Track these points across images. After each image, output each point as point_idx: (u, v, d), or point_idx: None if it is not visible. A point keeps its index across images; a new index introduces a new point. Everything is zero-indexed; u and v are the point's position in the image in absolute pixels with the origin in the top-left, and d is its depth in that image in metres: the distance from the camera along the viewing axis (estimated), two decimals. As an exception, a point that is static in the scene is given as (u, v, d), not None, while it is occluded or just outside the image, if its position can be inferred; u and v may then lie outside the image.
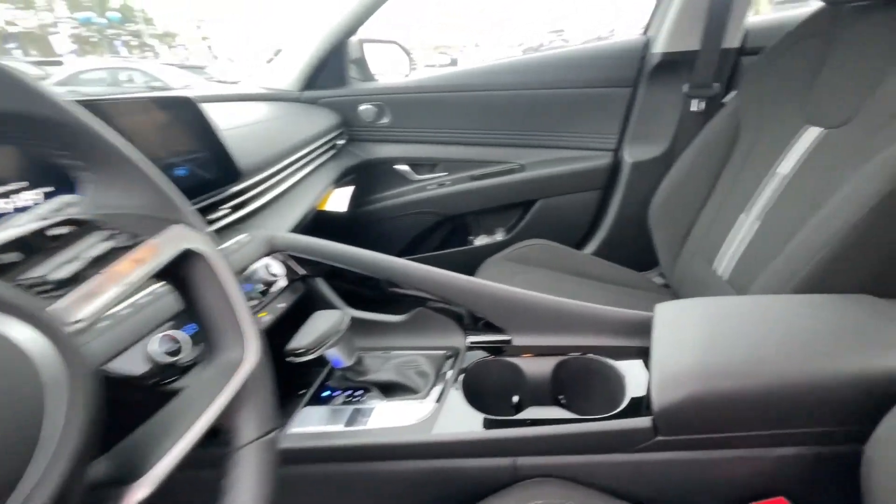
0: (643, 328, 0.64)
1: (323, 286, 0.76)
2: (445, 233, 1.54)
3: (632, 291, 1.16)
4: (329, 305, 0.76)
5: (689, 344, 0.54)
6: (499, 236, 1.48)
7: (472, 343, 0.71)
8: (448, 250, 1.51)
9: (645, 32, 1.26)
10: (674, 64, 1.19)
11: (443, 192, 1.43)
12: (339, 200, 1.08)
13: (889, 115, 0.68)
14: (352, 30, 1.24)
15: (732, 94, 1.07)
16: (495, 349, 0.70)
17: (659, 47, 1.19)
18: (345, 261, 0.72)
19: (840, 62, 0.81)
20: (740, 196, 0.93)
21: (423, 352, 0.72)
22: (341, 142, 1.31)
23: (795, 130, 0.86)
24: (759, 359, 0.51)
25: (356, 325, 0.73)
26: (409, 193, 1.46)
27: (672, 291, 1.13)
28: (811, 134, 0.83)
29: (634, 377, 0.61)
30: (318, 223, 1.04)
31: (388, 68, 1.50)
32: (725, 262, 0.94)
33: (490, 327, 0.71)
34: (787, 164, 0.86)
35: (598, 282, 1.18)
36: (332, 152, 1.22)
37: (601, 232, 1.37)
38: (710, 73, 1.15)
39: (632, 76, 1.26)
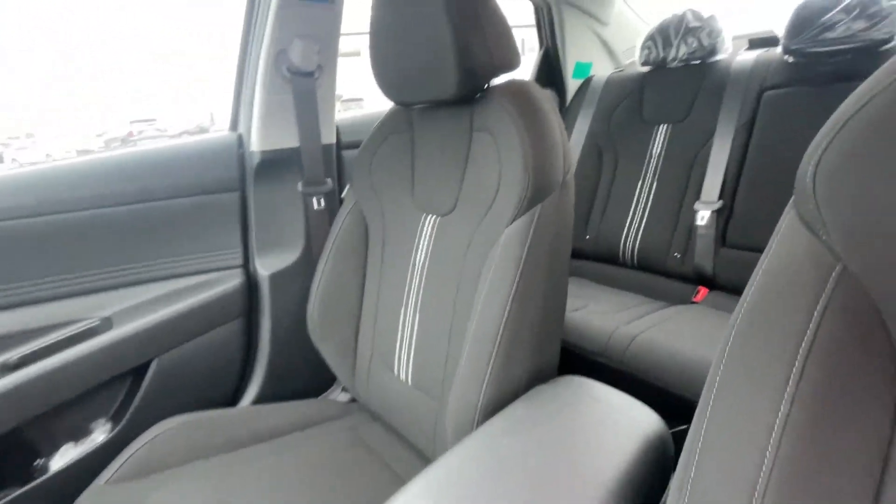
0: None
1: None
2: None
3: (320, 430, 0.92)
4: None
5: None
6: (99, 435, 0.92)
7: None
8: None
9: (233, 129, 1.07)
10: (279, 162, 1.06)
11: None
12: None
13: (482, 203, 0.74)
14: None
15: (347, 188, 1.03)
16: None
17: (256, 145, 1.03)
18: None
19: (426, 156, 0.86)
20: (394, 291, 0.88)
21: None
22: None
23: (417, 220, 0.86)
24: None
25: None
26: None
27: (361, 405, 0.98)
28: (429, 222, 0.85)
29: None
30: None
31: None
32: (404, 364, 0.85)
33: None
34: (421, 254, 0.85)
35: (272, 441, 0.88)
36: None
37: (259, 369, 1.07)
38: (319, 170, 1.09)
39: (235, 177, 1.04)
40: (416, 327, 0.84)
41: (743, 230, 1.24)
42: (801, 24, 1.14)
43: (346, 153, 1.18)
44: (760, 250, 0.38)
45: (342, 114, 1.21)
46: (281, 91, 1.00)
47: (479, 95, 0.78)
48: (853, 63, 1.10)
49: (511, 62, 0.76)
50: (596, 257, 1.54)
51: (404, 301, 0.86)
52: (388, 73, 0.81)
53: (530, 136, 0.67)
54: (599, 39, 1.69)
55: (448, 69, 0.70)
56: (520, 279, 0.66)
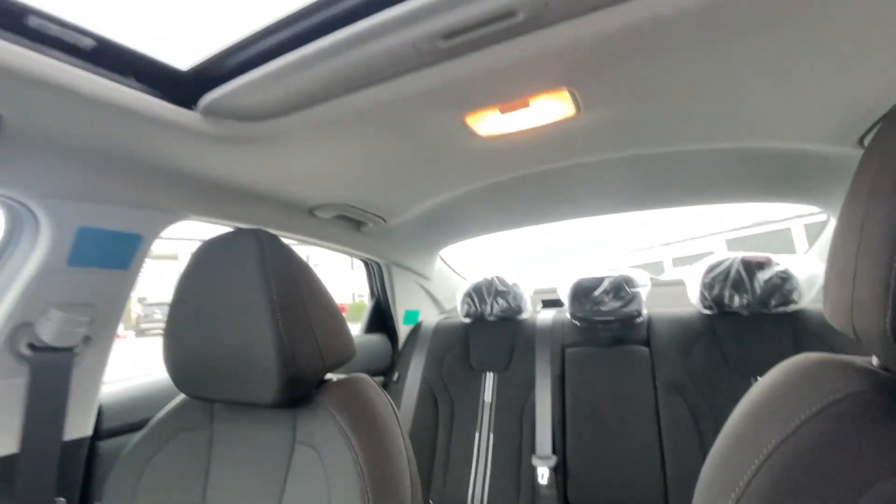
0: None
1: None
2: None
3: None
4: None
5: None
6: None
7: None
8: None
9: None
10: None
11: None
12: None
13: None
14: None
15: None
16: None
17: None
18: None
19: (229, 465, 0.64)
20: None
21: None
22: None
23: None
24: None
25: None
26: None
27: None
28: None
29: None
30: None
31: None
32: None
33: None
34: None
35: None
36: None
37: None
38: (45, 484, 0.72)
39: None
40: None
41: (581, 488, 1.23)
42: (578, 299, 1.42)
43: (108, 445, 0.84)
44: None
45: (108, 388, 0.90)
46: (7, 374, 0.69)
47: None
48: (622, 330, 1.38)
49: (344, 357, 0.67)
50: (442, 528, 1.33)
51: None
52: (182, 353, 0.63)
53: (369, 463, 0.54)
54: (424, 290, 1.84)
55: (268, 375, 0.57)
56: None
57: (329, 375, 0.68)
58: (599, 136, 0.73)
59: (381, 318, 1.68)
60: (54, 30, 0.49)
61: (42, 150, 0.61)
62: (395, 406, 0.66)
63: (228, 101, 0.63)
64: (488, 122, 0.64)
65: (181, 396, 0.73)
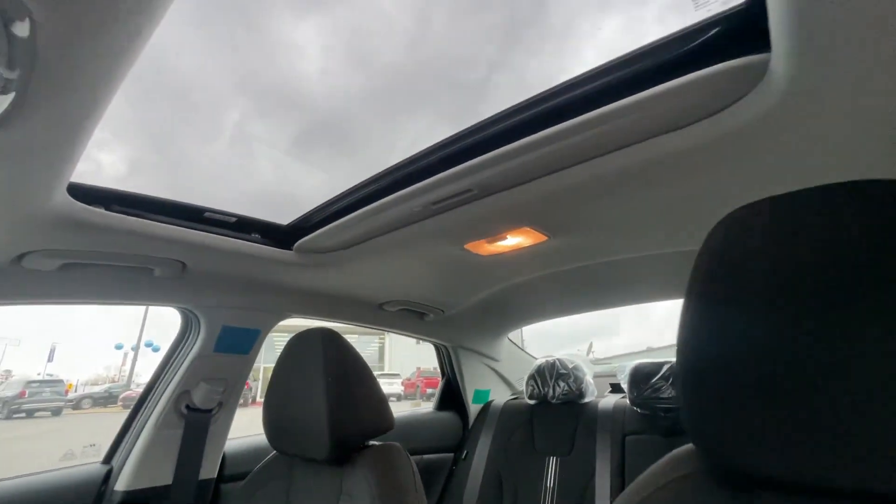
0: None
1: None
2: None
3: None
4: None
5: None
6: None
7: None
8: None
9: (106, 461, 1.03)
10: (141, 501, 0.99)
11: None
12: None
13: None
14: None
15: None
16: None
17: (123, 483, 0.98)
18: None
19: None
20: None
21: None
22: None
23: None
24: None
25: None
26: None
27: None
28: None
29: None
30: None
31: None
32: None
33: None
34: None
35: None
36: None
37: None
38: (186, 506, 1.01)
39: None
40: None
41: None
42: (637, 384, 1.43)
43: (227, 487, 1.13)
44: None
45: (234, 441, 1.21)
46: (172, 426, 1.03)
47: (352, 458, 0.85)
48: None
49: (381, 428, 0.87)
50: None
51: None
52: (273, 418, 0.89)
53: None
54: (494, 371, 1.97)
55: (322, 437, 0.79)
56: None
57: (372, 442, 0.88)
58: (576, 250, 0.89)
59: (452, 396, 1.84)
60: (216, 216, 0.85)
61: (206, 280, 0.98)
62: (416, 469, 0.83)
63: (313, 242, 0.94)
64: (483, 248, 0.85)
65: (273, 452, 0.99)
